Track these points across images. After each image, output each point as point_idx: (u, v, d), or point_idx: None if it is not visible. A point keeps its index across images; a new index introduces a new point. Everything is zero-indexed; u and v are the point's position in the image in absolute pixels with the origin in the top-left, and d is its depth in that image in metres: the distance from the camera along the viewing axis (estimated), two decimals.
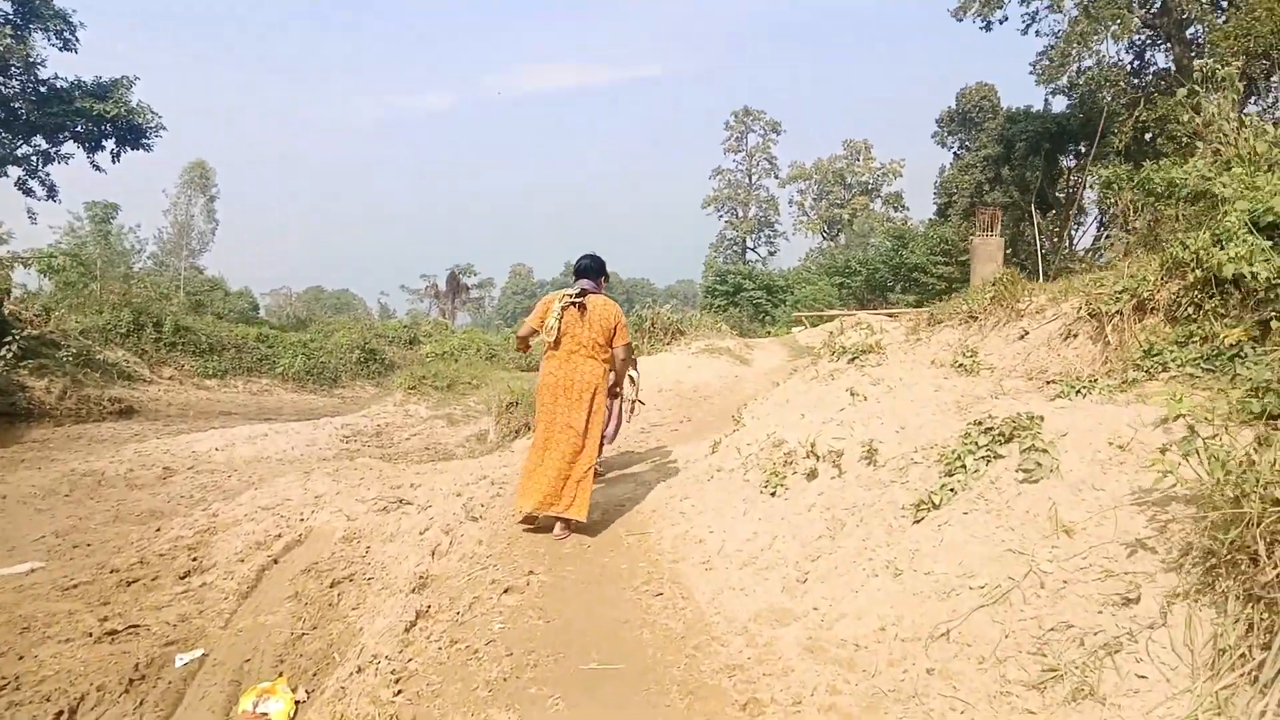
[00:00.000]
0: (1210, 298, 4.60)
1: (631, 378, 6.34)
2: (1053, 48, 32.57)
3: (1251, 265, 4.24)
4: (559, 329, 5.38)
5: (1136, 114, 29.81)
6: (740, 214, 63.20)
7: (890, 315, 20.49)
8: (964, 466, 3.76)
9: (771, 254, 63.51)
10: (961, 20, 33.07)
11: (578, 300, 5.42)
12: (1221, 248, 4.55)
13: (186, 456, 10.89)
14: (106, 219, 39.51)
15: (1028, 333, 5.99)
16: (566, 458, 5.25)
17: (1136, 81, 32.18)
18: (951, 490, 3.67)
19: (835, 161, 63.43)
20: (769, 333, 32.69)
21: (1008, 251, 26.66)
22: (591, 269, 5.73)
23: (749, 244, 63.37)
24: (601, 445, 6.01)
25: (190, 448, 11.43)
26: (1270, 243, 4.45)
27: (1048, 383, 5.07)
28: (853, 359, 6.96)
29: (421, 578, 4.57)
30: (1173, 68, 30.85)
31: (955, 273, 37.16)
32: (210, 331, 24.09)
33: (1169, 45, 30.80)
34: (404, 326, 35.71)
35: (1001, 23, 32.72)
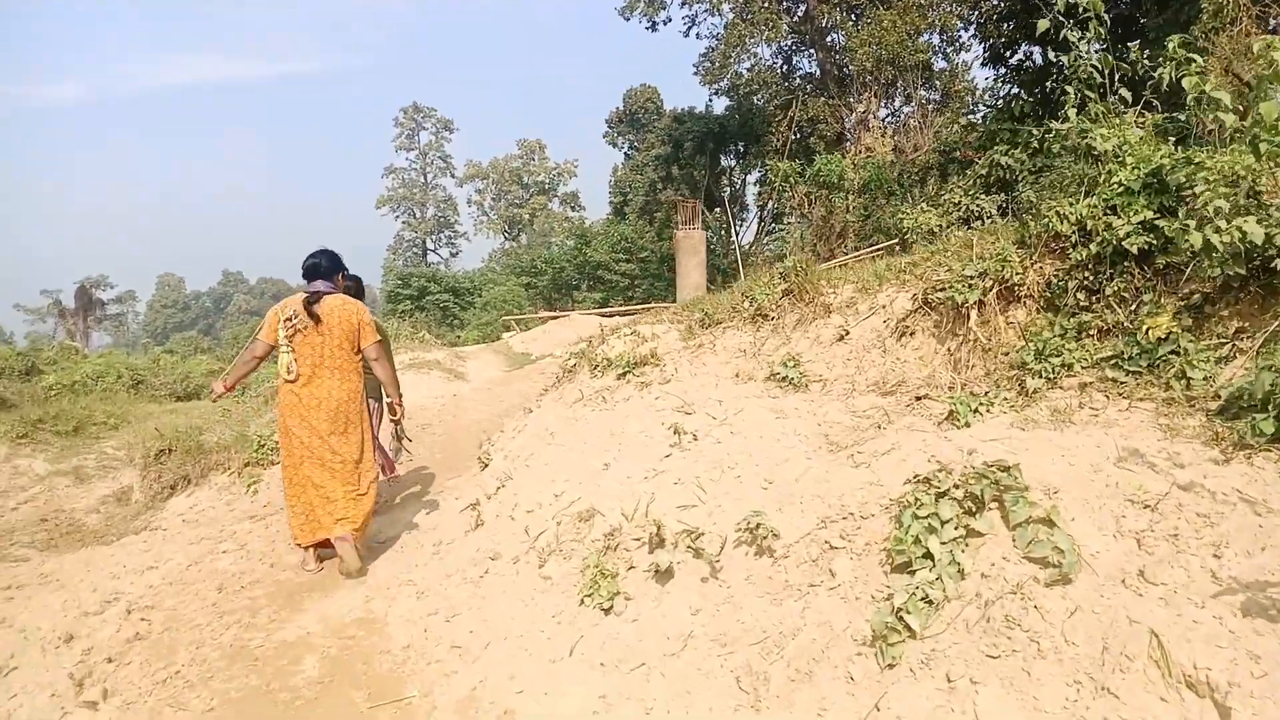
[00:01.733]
0: (1109, 279, 3.75)
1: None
2: (714, 50, 33.88)
3: (1176, 235, 3.34)
4: (292, 352, 4.54)
5: (790, 114, 31.91)
6: (418, 214, 59.99)
7: (618, 313, 19.49)
8: (929, 556, 2.43)
9: (454, 255, 61.18)
10: (629, 20, 33.34)
11: (309, 309, 4.55)
12: (1118, 215, 3.71)
13: None
14: None
15: (848, 332, 4.91)
16: (334, 484, 4.58)
17: (787, 84, 34.48)
18: (927, 602, 2.31)
19: (511, 161, 62.47)
20: (458, 338, 30.78)
21: None
22: (323, 268, 4.81)
23: (430, 245, 60.40)
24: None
25: None
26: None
27: (917, 399, 3.97)
28: (624, 374, 5.55)
29: None
30: (817, 71, 33.52)
31: (636, 269, 37.75)
32: None
33: (813, 51, 33.31)
34: (17, 354, 28.49)
35: (665, 24, 33.44)
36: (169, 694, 3.30)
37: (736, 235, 37.91)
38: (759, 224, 38.59)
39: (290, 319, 4.55)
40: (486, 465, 5.70)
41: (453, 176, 61.80)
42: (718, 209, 37.43)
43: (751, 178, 39.21)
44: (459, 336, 31.45)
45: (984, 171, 16.65)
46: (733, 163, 39.50)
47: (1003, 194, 15.58)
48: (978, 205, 15.76)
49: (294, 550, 4.88)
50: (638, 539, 3.25)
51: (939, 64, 30.68)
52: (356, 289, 5.60)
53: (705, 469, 3.49)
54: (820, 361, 4.82)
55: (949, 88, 30.93)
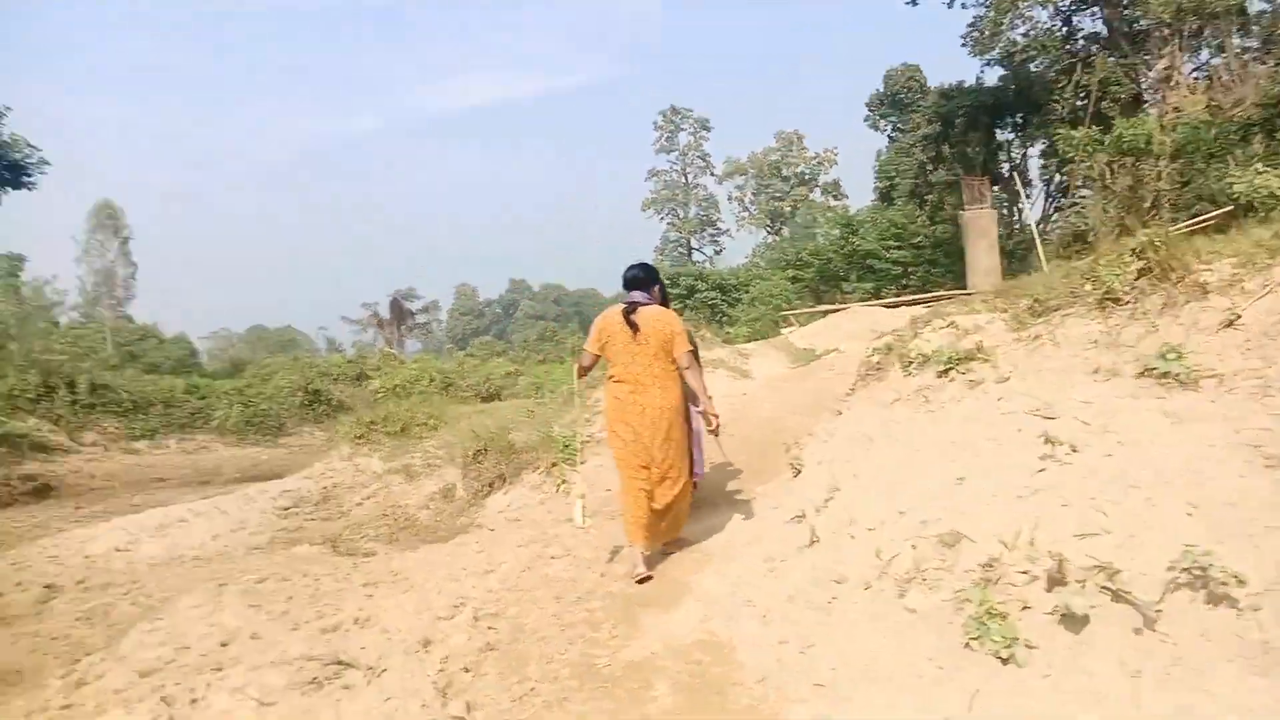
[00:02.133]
0: None
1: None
2: (983, 18, 31.47)
3: None
4: (616, 356, 4.90)
5: (1076, 79, 28.89)
6: (681, 214, 61.48)
7: (904, 303, 18.53)
8: None
9: (718, 253, 62.00)
10: None
11: (628, 318, 4.86)
12: None
13: (78, 565, 8.35)
14: (13, 272, 36.21)
15: (1239, 316, 4.08)
16: (649, 488, 4.79)
17: (1068, 47, 31.28)
18: None
19: (769, 154, 62.17)
20: (729, 334, 30.97)
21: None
22: (641, 279, 5.16)
23: (694, 244, 61.71)
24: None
25: (83, 549, 8.90)
26: None
27: None
28: (946, 370, 5.04)
29: None
30: (1104, 30, 30.04)
31: (909, 256, 35.87)
32: (134, 387, 21.31)
33: (1097, 8, 29.89)
34: (349, 361, 32.84)
35: None
36: (529, 714, 3.32)
37: (1025, 213, 34.91)
38: (1045, 200, 35.36)
39: (612, 326, 4.92)
40: (799, 471, 5.44)
41: (712, 174, 62.68)
42: (996, 186, 34.69)
43: (1034, 150, 36.01)
44: (729, 333, 31.65)
45: None
46: (1010, 136, 36.48)
47: None
48: None
49: (620, 560, 4.93)
50: (1024, 572, 2.81)
51: (1255, 6, 26.15)
52: (661, 299, 5.71)
53: (1099, 488, 2.97)
54: (1207, 353, 4.04)
55: (1270, 32, 26.36)
